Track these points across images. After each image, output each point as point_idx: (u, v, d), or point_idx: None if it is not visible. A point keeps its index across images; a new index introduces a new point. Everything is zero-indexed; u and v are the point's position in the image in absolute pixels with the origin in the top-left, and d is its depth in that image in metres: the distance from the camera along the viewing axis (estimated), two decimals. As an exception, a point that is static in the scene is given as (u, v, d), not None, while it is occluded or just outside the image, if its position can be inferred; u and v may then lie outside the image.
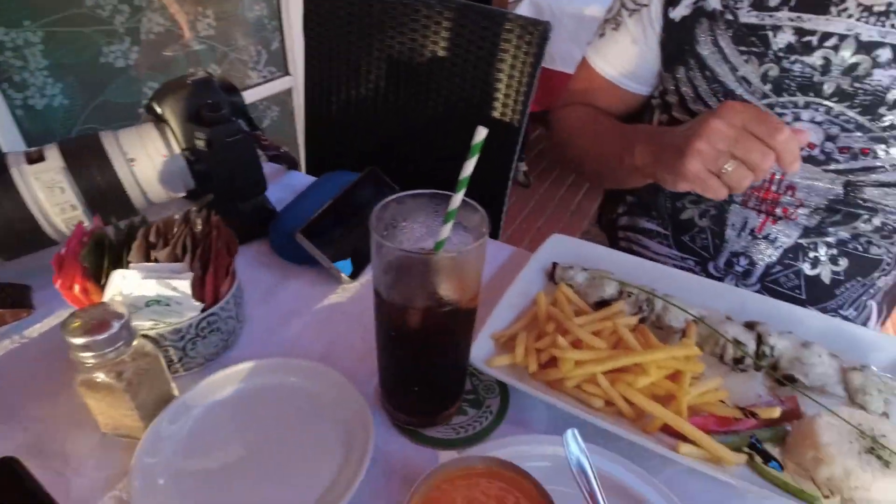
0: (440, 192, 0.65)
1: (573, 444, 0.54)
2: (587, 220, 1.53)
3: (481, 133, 0.60)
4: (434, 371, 0.68)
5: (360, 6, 1.52)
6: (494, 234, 1.71)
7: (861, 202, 0.88)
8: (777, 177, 0.93)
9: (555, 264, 0.95)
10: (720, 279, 1.04)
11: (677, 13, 0.97)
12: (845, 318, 1.01)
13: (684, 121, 1.00)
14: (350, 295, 0.94)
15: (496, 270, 1.02)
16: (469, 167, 0.61)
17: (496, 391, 0.79)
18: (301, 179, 1.26)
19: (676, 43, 0.98)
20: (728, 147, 0.71)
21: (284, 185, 1.21)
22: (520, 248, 1.09)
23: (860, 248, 0.93)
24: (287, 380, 0.75)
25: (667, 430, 0.70)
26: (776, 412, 0.70)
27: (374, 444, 0.65)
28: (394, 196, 0.64)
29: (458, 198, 0.61)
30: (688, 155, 0.73)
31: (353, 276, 0.95)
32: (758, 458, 0.68)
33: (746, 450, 0.69)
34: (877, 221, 0.89)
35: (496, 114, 1.53)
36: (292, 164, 1.29)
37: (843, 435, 0.67)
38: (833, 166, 0.88)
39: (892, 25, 0.82)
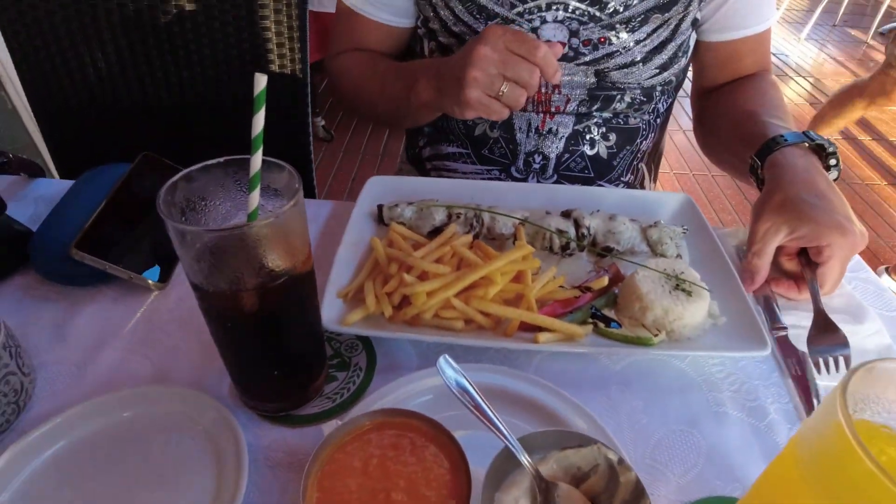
0: (233, 157, 0.57)
1: (448, 369, 0.55)
2: (398, 159, 1.52)
3: (261, 81, 0.53)
4: (288, 348, 0.62)
5: (66, -38, 1.23)
6: (310, 194, 1.63)
7: (611, 85, 1.03)
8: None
9: (380, 206, 0.93)
10: (524, 180, 1.13)
11: None
12: (627, 183, 1.18)
13: (450, 45, 1.03)
14: (168, 300, 0.81)
15: (322, 229, 0.97)
16: (259, 122, 0.54)
17: (360, 347, 0.76)
18: (54, 187, 1.02)
19: None
20: (499, 70, 0.78)
21: (33, 198, 0.98)
22: (340, 201, 1.04)
23: (622, 122, 1.10)
24: (121, 415, 0.63)
25: (524, 326, 0.75)
26: (604, 281, 0.79)
27: (248, 443, 0.59)
28: (180, 174, 0.54)
29: (256, 159, 0.54)
30: (466, 85, 0.79)
31: (163, 278, 0.82)
32: (601, 324, 0.77)
33: (590, 320, 0.77)
34: (627, 98, 1.05)
35: (274, 67, 1.41)
36: (35, 171, 1.04)
37: (655, 282, 0.78)
38: (582, 59, 1.01)
39: None
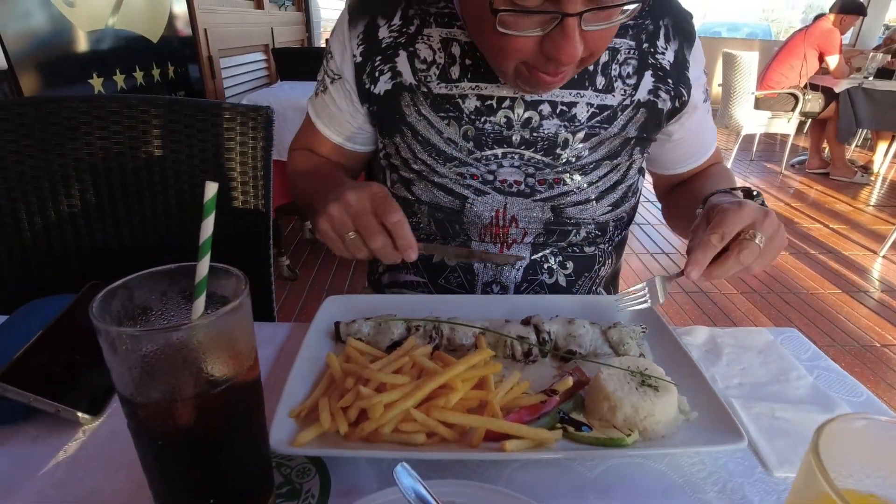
0: (180, 265, 0.56)
1: (405, 477, 0.50)
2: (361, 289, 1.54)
3: (211, 188, 0.55)
4: (228, 472, 0.56)
5: (39, 114, 1.31)
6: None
7: (567, 220, 1.09)
8: (501, 212, 1.07)
9: (337, 324, 0.91)
10: (471, 290, 1.14)
11: (380, 88, 1.07)
12: None
13: (411, 179, 1.09)
14: (98, 435, 0.74)
15: (278, 351, 0.93)
16: (208, 228, 0.55)
17: (312, 472, 0.69)
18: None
19: (389, 113, 1.08)
20: (352, 219, 0.84)
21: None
22: (299, 323, 1.02)
23: (578, 251, 1.14)
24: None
25: (490, 436, 0.70)
26: (569, 382, 0.76)
27: None
28: (120, 281, 0.53)
29: (203, 265, 0.53)
30: (322, 214, 0.85)
31: (95, 410, 0.75)
32: (570, 428, 0.73)
33: (559, 425, 0.74)
34: (583, 233, 1.11)
35: (238, 203, 1.46)
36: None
37: (621, 380, 0.76)
38: (538, 196, 1.07)
39: None
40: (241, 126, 1.42)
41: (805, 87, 5.75)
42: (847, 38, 7.54)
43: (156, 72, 3.28)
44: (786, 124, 5.89)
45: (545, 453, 0.68)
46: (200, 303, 0.53)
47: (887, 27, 8.53)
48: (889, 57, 5.97)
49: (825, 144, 6.06)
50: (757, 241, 0.80)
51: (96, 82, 2.75)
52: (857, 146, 7.26)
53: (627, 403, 0.73)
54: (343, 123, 1.15)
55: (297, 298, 3.44)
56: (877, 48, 6.93)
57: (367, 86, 1.07)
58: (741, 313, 3.13)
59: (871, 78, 5.46)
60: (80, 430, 0.74)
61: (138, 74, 3.10)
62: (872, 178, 5.80)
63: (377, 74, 1.06)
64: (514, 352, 0.87)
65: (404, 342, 0.86)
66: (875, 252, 3.97)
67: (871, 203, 5.25)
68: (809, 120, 6.02)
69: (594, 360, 0.83)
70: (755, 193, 0.94)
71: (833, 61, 5.57)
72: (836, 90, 5.42)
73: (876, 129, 5.76)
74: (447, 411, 0.70)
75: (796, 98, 5.69)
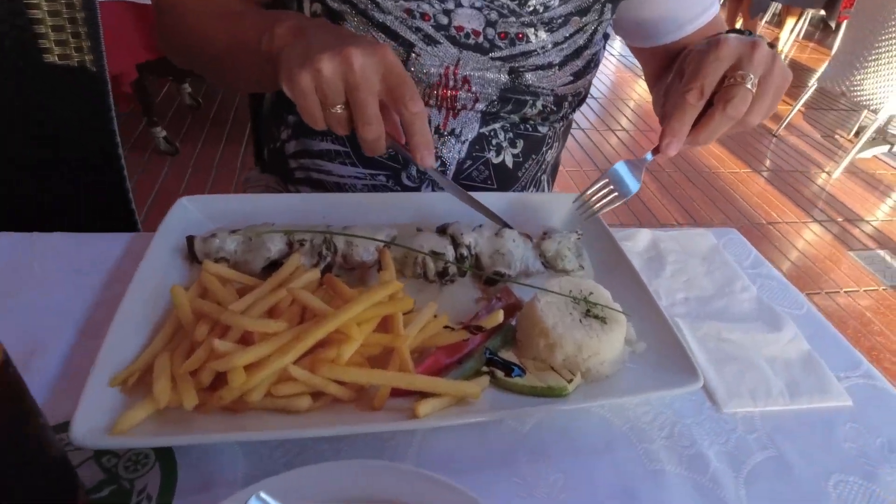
0: None
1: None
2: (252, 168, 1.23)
3: None
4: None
5: None
6: (131, 223, 1.28)
7: (525, 88, 0.88)
8: (452, 69, 0.82)
9: (190, 239, 0.67)
10: (416, 189, 0.92)
11: None
12: None
13: (342, 13, 0.79)
14: None
15: (105, 283, 0.67)
16: None
17: (150, 460, 0.49)
18: None
19: None
20: (350, 87, 0.60)
21: None
22: (144, 233, 0.76)
23: (530, 129, 0.94)
24: None
25: (398, 392, 0.54)
26: (499, 316, 0.60)
27: None
28: None
29: None
30: (307, 66, 0.59)
31: None
32: (499, 373, 0.58)
33: (486, 369, 0.59)
34: (539, 105, 0.91)
35: (51, 58, 1.06)
36: None
37: (561, 310, 0.62)
38: (497, 53, 0.84)
39: None
40: (36, -59, 0.98)
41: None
42: None
43: None
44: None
45: (468, 416, 0.53)
46: None
47: None
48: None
49: (739, 18, 6.02)
50: (748, 84, 0.62)
51: None
52: (766, 22, 7.32)
53: (569, 341, 0.59)
54: None
55: (178, 177, 2.99)
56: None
57: None
58: (650, 193, 3.18)
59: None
60: None
61: None
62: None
63: None
64: (427, 271, 0.69)
65: (284, 262, 0.64)
66: (771, 132, 4.13)
67: (771, 81, 5.41)
68: (727, -7, 5.87)
69: (527, 284, 0.67)
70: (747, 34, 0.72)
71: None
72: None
73: (786, 5, 5.77)
74: (339, 368, 0.52)
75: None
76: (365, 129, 0.62)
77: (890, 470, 0.59)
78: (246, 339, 0.54)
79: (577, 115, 3.93)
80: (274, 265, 0.66)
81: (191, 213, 0.72)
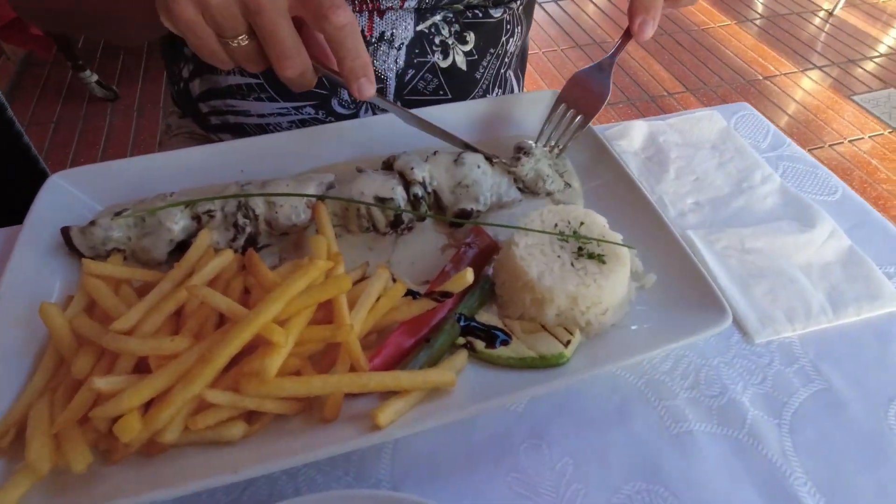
0: None
1: None
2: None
3: None
4: None
5: None
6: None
7: None
8: None
9: (66, 231, 0.52)
10: (353, 116, 0.74)
11: None
12: None
13: None
14: None
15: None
16: None
17: (51, 537, 0.39)
18: None
19: None
20: (247, 14, 0.44)
21: None
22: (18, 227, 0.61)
23: (480, 15, 0.74)
24: None
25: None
26: (468, 276, 0.47)
27: None
28: None
29: None
30: None
31: None
32: (480, 344, 0.46)
33: (462, 340, 0.47)
34: None
35: None
36: None
37: (547, 252, 0.48)
38: None
39: None
40: None
41: None
42: None
43: None
44: None
45: (441, 416, 0.41)
46: None
47: None
48: None
49: None
50: None
51: None
52: None
53: (561, 294, 0.46)
54: None
55: (125, 125, 2.72)
56: None
57: None
58: (635, 64, 2.91)
59: None
60: None
61: None
62: None
63: None
64: (376, 222, 0.55)
65: (192, 242, 0.50)
66: (761, -28, 3.73)
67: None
68: None
69: (500, 224, 0.53)
70: None
71: None
72: None
73: None
74: (271, 383, 0.40)
75: None
76: (284, 65, 0.46)
77: (959, 385, 0.49)
78: (144, 365, 0.41)
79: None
80: (182, 246, 0.52)
81: (68, 193, 0.57)
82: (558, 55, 3.00)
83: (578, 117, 0.58)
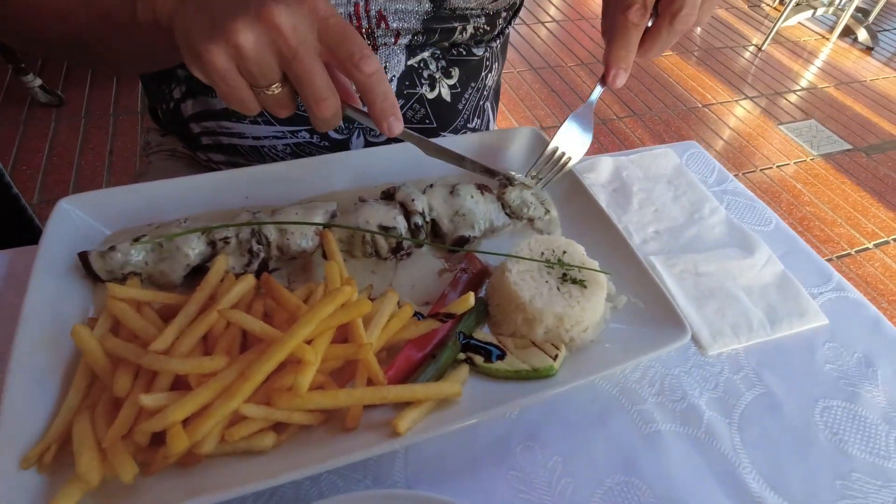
0: None
1: None
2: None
3: None
4: None
5: None
6: (17, 211, 1.10)
7: (451, 13, 0.74)
8: (362, 6, 0.68)
9: (84, 255, 0.54)
10: (345, 141, 0.79)
11: None
12: (473, 130, 0.92)
13: None
14: None
15: (-8, 312, 0.55)
16: None
17: (94, 545, 0.42)
18: None
19: None
20: (281, 62, 0.46)
21: None
22: (28, 247, 0.62)
23: (464, 52, 0.82)
24: None
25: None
26: (469, 300, 0.53)
27: None
28: None
29: None
30: (218, 40, 0.44)
31: None
32: (478, 358, 0.53)
33: (462, 356, 0.53)
34: (470, 29, 0.78)
35: None
36: None
37: (536, 278, 0.55)
38: None
39: None
40: None
41: None
42: None
43: None
44: None
45: (452, 422, 0.47)
46: None
47: None
48: None
49: None
50: None
51: None
52: None
53: (549, 315, 0.53)
54: None
55: (72, 132, 2.63)
56: None
57: None
58: (585, 87, 3.08)
59: None
60: None
61: None
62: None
63: None
64: (379, 248, 0.60)
65: (210, 267, 0.54)
66: (698, 6, 4.04)
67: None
68: None
69: (494, 253, 0.60)
70: None
71: None
72: None
73: None
74: (300, 397, 0.44)
75: None
76: (321, 106, 0.48)
77: (869, 387, 0.59)
78: (180, 381, 0.45)
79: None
80: (197, 270, 0.56)
81: (77, 217, 0.59)
82: (514, 76, 3.13)
83: (566, 156, 0.65)
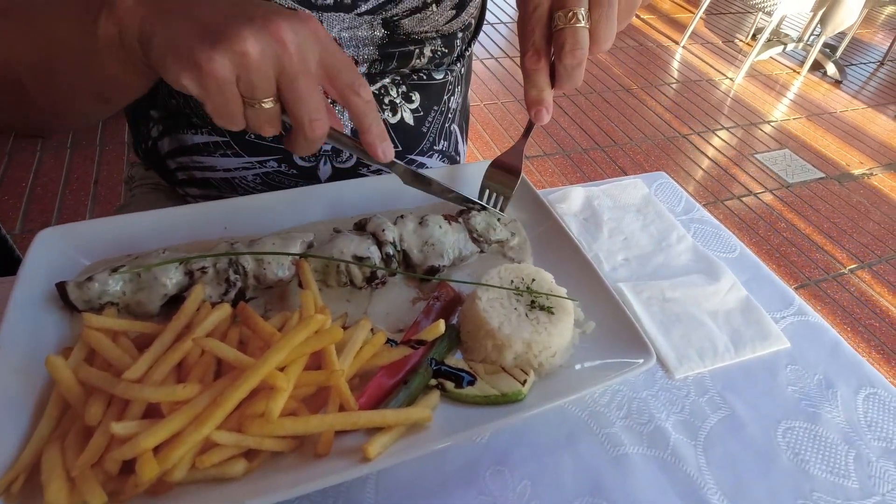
0: None
1: None
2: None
3: None
4: None
5: None
6: (-1, 242, 1.10)
7: (406, 37, 0.78)
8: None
9: (62, 286, 0.55)
10: (313, 169, 0.82)
11: None
12: (442, 152, 0.95)
13: None
14: None
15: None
16: None
17: (61, 576, 0.42)
18: None
19: None
20: (281, 79, 0.46)
21: None
22: (5, 278, 0.63)
23: (424, 77, 0.85)
24: None
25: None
26: (440, 327, 0.55)
27: None
28: None
29: None
30: (222, 47, 0.43)
31: None
32: (449, 384, 0.54)
33: (433, 381, 0.54)
34: (427, 52, 0.81)
35: None
36: None
37: (505, 305, 0.57)
38: (363, 7, 0.73)
39: None
40: None
41: None
42: None
43: None
44: None
45: (422, 447, 0.48)
46: None
47: None
48: None
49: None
50: (579, 21, 0.54)
51: None
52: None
53: (518, 341, 0.55)
54: None
55: (57, 163, 2.63)
56: None
57: None
58: (569, 118, 3.16)
59: None
60: None
61: None
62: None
63: None
64: (353, 278, 0.62)
65: (187, 296, 0.55)
66: (676, 42, 4.19)
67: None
68: None
69: (465, 282, 0.62)
70: None
71: None
72: None
73: None
74: (272, 424, 0.45)
75: None
76: (315, 125, 0.49)
77: (829, 408, 0.61)
78: (153, 410, 0.46)
79: (485, 43, 3.79)
80: (174, 300, 0.57)
81: (57, 247, 0.60)
82: (499, 107, 3.21)
83: (501, 199, 0.69)
